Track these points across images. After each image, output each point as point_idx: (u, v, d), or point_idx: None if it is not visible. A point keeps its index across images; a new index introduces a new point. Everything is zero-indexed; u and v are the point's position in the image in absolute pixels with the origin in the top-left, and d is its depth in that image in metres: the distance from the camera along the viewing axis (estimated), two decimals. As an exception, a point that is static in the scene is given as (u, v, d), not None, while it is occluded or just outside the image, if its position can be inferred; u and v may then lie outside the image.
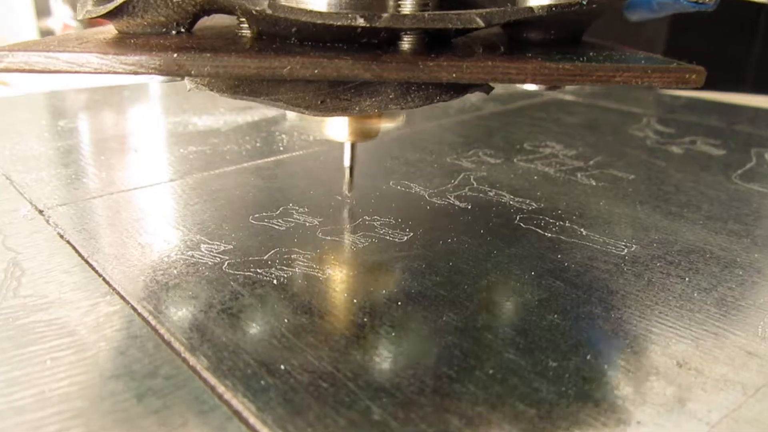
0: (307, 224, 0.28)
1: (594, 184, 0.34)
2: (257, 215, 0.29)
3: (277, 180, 0.34)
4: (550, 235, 0.27)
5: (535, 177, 0.35)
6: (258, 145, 0.40)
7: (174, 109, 0.50)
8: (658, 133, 0.44)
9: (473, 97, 0.54)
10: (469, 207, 0.30)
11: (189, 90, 0.24)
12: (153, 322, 0.20)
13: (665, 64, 0.21)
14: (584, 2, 0.22)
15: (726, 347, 0.20)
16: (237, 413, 0.17)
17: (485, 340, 0.20)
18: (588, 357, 0.19)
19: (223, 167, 0.36)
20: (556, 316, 0.21)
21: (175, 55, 0.20)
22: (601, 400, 0.17)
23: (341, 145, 0.30)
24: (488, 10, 0.21)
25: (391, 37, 0.22)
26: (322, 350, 0.19)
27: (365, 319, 0.21)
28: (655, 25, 0.92)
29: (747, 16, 0.93)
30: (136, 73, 0.20)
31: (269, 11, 0.20)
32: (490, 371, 0.18)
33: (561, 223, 0.29)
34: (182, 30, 0.22)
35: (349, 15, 0.20)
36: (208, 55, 0.20)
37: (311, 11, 0.20)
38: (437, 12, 0.21)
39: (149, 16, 0.22)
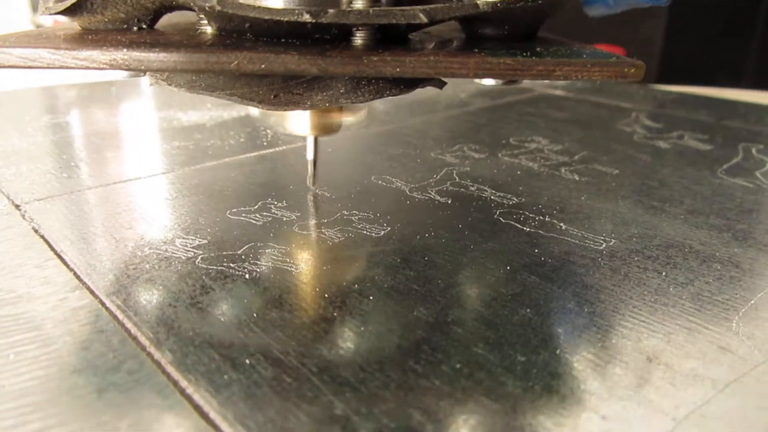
0: (285, 219, 0.28)
1: (577, 179, 0.34)
2: (235, 210, 0.28)
3: (257, 175, 0.33)
4: (528, 229, 0.27)
5: (519, 172, 0.35)
6: (241, 140, 0.40)
7: (160, 105, 0.50)
8: (646, 128, 0.44)
9: (461, 93, 0.54)
10: (450, 202, 0.30)
11: (150, 85, 0.25)
12: (120, 317, 0.20)
13: (605, 58, 0.21)
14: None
15: (698, 342, 0.20)
16: (198, 408, 0.16)
17: (455, 335, 0.20)
18: (557, 352, 0.19)
19: (204, 162, 0.35)
20: (528, 310, 0.21)
21: (125, 50, 0.20)
22: (567, 395, 0.17)
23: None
24: (432, 6, 0.21)
25: (343, 33, 0.22)
26: (289, 345, 0.19)
27: (335, 314, 0.21)
28: (652, 23, 0.91)
29: (745, 12, 0.93)
30: (87, 68, 0.20)
31: (218, 7, 0.21)
32: (457, 366, 0.18)
33: (541, 217, 0.28)
34: (144, 26, 0.23)
35: (296, 11, 0.20)
36: (157, 50, 0.20)
37: (259, 7, 0.21)
38: (382, 8, 0.21)
39: (109, 12, 0.22)
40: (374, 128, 0.42)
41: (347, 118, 0.28)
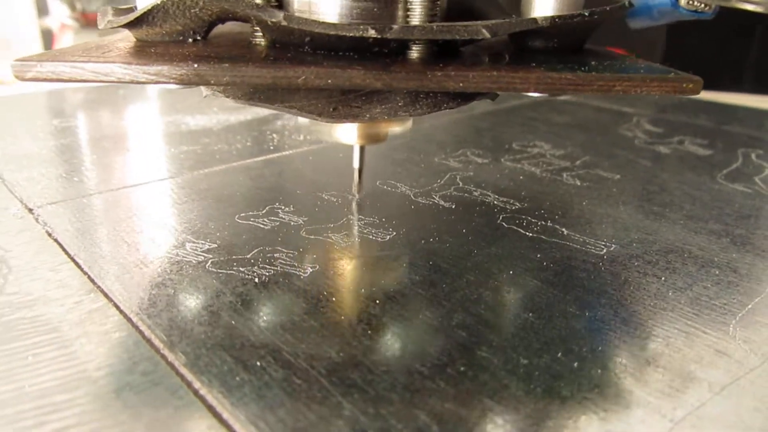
0: (292, 223, 0.28)
1: (579, 184, 0.34)
2: (243, 214, 0.29)
3: (265, 179, 0.34)
4: (531, 234, 0.28)
5: (521, 177, 0.35)
6: (248, 144, 0.40)
7: (168, 109, 0.51)
8: (647, 133, 0.45)
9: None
10: (453, 207, 0.31)
11: (205, 96, 0.25)
12: (134, 320, 0.21)
13: (663, 73, 0.22)
14: (586, 14, 0.22)
15: (696, 346, 0.20)
16: (211, 408, 0.17)
17: (459, 338, 0.20)
18: (559, 355, 0.19)
19: (212, 167, 0.36)
20: (530, 314, 0.22)
21: (196, 65, 0.20)
22: (567, 397, 0.18)
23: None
24: (494, 21, 0.21)
25: (401, 46, 0.22)
26: (298, 347, 0.19)
27: (342, 318, 0.21)
28: (655, 27, 0.92)
29: (745, 16, 0.94)
30: (157, 82, 0.21)
31: (285, 23, 0.21)
32: (462, 368, 0.19)
33: (543, 222, 0.29)
34: (198, 38, 0.23)
35: (362, 27, 0.21)
36: (227, 65, 0.21)
37: (325, 23, 0.21)
38: (445, 24, 0.21)
39: (168, 25, 0.22)
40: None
41: (394, 128, 0.29)
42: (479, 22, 0.21)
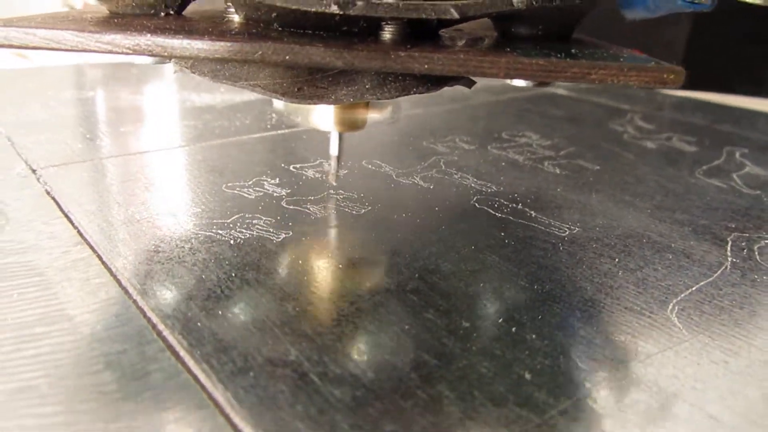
0: (275, 194, 0.30)
1: (558, 172, 0.35)
2: (231, 184, 0.31)
3: (256, 154, 0.36)
4: (500, 215, 0.29)
5: (503, 163, 0.36)
6: (247, 122, 0.42)
7: (176, 87, 0.53)
8: (638, 129, 0.45)
9: (465, 88, 0.56)
10: (432, 187, 0.32)
11: (174, 72, 0.25)
12: (113, 269, 0.23)
13: (644, 62, 0.21)
14: None
15: (631, 322, 0.21)
16: (170, 348, 0.19)
17: (410, 302, 0.22)
18: (500, 321, 0.21)
19: (210, 141, 0.38)
20: (482, 284, 0.23)
21: (149, 35, 0.20)
22: (497, 357, 0.19)
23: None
24: (464, 2, 0.20)
25: (372, 26, 0.22)
26: (258, 300, 0.21)
27: (304, 278, 0.23)
28: (675, 28, 0.91)
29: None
30: (111, 51, 0.21)
31: None
32: (406, 327, 0.20)
33: (514, 205, 0.30)
34: (171, 12, 0.23)
35: (324, 1, 0.20)
36: (181, 36, 0.20)
37: None
38: (412, 2, 0.21)
39: None
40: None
41: (372, 115, 0.28)
42: (449, 2, 0.20)
